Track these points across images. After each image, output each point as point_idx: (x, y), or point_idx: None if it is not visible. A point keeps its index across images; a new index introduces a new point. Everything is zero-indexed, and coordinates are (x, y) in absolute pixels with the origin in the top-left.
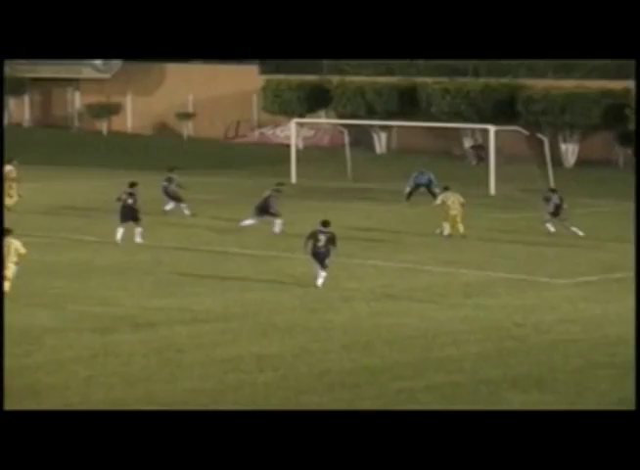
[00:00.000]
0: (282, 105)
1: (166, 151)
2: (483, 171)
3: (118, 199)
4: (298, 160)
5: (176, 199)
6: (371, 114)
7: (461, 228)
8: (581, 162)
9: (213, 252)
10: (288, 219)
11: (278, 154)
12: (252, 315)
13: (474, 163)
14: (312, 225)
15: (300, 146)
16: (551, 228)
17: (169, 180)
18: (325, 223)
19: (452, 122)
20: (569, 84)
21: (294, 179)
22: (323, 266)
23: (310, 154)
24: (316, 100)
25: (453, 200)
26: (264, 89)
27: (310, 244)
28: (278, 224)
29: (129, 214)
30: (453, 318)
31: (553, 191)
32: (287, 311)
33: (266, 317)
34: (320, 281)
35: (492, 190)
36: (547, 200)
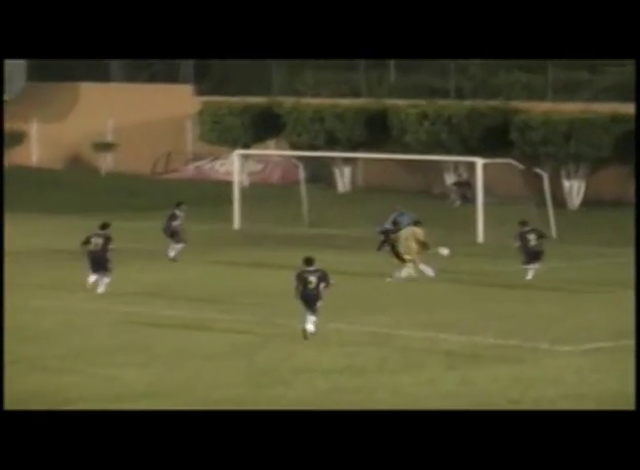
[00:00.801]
0: (222, 133)
1: (80, 189)
2: (470, 214)
3: (86, 242)
4: (243, 199)
5: (172, 236)
6: (332, 144)
7: (397, 271)
8: (589, 202)
9: (138, 313)
10: (229, 273)
11: (218, 192)
12: (186, 392)
13: (457, 203)
14: (259, 281)
15: (245, 183)
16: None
17: (173, 217)
18: (308, 261)
19: (431, 154)
20: (573, 108)
21: (237, 224)
22: (314, 311)
23: (257, 192)
24: (265, 127)
25: (407, 236)
26: (201, 114)
27: (300, 289)
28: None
29: (100, 263)
30: (433, 394)
31: (523, 224)
32: (228, 387)
33: (203, 394)
34: (310, 326)
35: (480, 236)
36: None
